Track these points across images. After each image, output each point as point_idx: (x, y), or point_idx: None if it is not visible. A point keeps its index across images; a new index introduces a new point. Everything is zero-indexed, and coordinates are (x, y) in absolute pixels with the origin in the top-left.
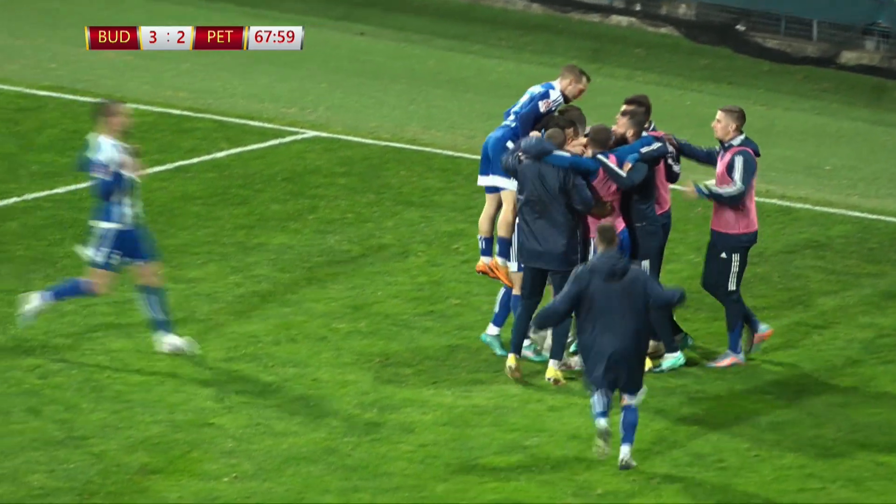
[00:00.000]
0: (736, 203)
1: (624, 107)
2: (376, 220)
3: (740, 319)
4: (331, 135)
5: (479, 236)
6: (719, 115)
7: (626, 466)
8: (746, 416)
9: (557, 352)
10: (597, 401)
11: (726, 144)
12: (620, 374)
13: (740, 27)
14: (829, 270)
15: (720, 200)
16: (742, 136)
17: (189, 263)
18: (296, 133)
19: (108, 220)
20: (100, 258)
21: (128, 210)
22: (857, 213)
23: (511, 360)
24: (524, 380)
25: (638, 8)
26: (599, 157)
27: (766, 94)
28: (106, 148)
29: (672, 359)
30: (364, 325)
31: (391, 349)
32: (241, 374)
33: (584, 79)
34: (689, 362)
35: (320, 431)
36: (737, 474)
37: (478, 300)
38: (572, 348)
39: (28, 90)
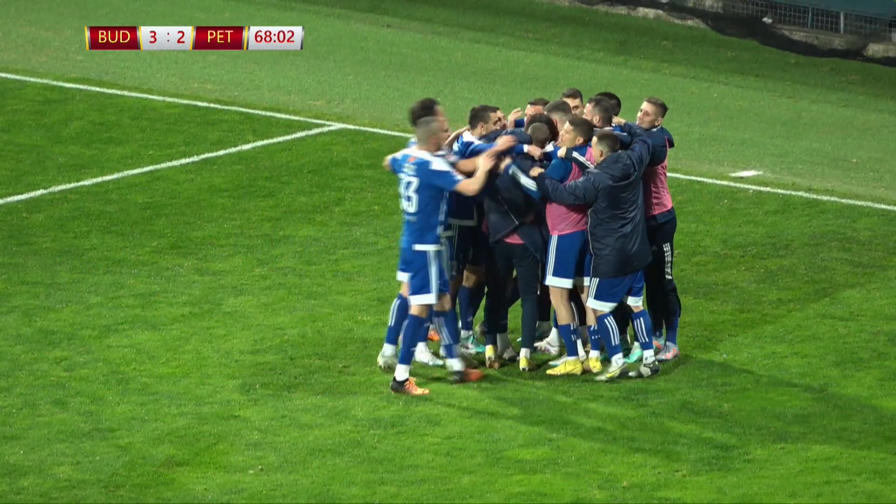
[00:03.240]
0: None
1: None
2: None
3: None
4: (357, 127)
5: None
6: (647, 106)
7: (656, 370)
8: (772, 408)
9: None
10: (611, 327)
11: None
12: (640, 263)
13: (767, 19)
14: (855, 262)
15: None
16: (657, 128)
17: (215, 255)
18: (322, 125)
19: None
20: None
21: None
22: (883, 206)
23: (522, 360)
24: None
25: (665, 0)
26: (575, 154)
27: (792, 87)
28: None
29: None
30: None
31: None
32: (267, 366)
33: (488, 115)
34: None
35: (346, 424)
36: (763, 467)
37: None
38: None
39: (55, 82)
